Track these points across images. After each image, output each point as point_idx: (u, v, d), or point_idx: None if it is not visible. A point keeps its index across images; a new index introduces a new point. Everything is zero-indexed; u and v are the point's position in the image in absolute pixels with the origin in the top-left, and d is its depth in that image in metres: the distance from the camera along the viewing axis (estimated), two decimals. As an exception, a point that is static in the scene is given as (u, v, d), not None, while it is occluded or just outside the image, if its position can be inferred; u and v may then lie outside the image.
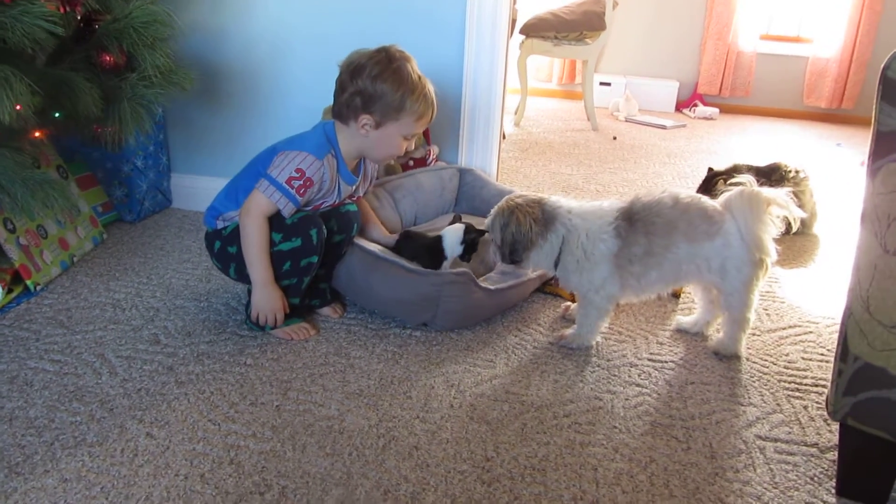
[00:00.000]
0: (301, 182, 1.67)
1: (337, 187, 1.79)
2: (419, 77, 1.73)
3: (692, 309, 2.00)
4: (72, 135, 2.11)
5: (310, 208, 1.77)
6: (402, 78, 1.69)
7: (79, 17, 1.84)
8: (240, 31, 2.45)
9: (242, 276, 1.77)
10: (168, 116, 2.57)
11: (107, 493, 1.21)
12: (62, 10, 1.67)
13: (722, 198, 1.70)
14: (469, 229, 1.91)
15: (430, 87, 1.76)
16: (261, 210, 1.67)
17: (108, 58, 1.85)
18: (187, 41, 2.43)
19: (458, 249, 1.91)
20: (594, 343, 1.80)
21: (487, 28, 2.30)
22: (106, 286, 1.98)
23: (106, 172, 2.42)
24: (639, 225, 1.68)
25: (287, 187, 1.66)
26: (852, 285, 1.19)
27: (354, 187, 1.86)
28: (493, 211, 1.79)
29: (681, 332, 1.91)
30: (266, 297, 1.71)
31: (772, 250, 1.67)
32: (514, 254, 1.73)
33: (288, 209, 1.68)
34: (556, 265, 1.76)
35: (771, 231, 1.65)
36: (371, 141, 1.75)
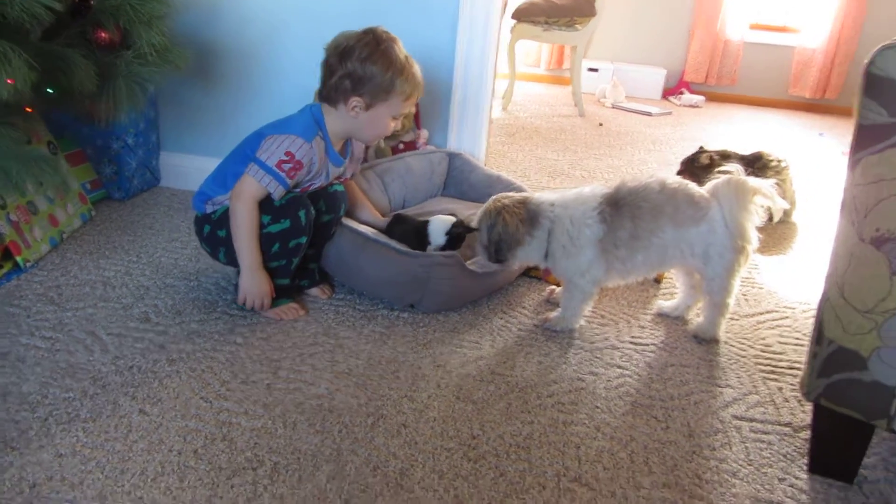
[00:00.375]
0: (291, 165, 1.69)
1: (326, 169, 1.81)
2: (406, 57, 1.75)
3: (673, 294, 2.05)
4: (63, 110, 2.11)
5: (298, 190, 1.79)
6: (390, 59, 1.71)
7: (71, -7, 1.84)
8: (234, 8, 2.45)
9: (232, 259, 1.79)
10: (159, 94, 2.57)
11: (102, 467, 1.23)
12: (59, -13, 1.66)
13: (709, 185, 1.74)
14: (457, 223, 1.93)
15: (417, 68, 1.78)
16: (251, 194, 1.69)
17: (103, 34, 1.85)
18: (181, 18, 2.42)
19: (442, 240, 1.92)
20: (577, 326, 1.84)
21: (481, 14, 2.32)
22: (96, 264, 1.99)
23: (95, 149, 2.42)
24: (625, 209, 1.71)
25: (277, 170, 1.68)
26: (830, 272, 1.24)
27: (342, 169, 1.88)
28: (480, 211, 1.83)
29: (662, 316, 1.96)
30: (253, 281, 1.73)
31: (753, 238, 1.71)
32: (499, 253, 1.78)
33: (278, 192, 1.70)
34: (545, 257, 1.80)
35: (754, 219, 1.70)
36: (361, 122, 1.77)
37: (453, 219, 1.94)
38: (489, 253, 1.80)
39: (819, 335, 1.26)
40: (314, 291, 1.93)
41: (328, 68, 1.74)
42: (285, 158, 1.68)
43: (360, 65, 1.70)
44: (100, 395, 1.43)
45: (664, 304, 1.99)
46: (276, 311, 1.79)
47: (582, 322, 1.86)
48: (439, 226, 1.93)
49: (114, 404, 1.40)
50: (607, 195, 1.75)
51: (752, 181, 1.69)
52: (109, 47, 1.92)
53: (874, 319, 1.18)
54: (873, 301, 1.17)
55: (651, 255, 1.75)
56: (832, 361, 1.25)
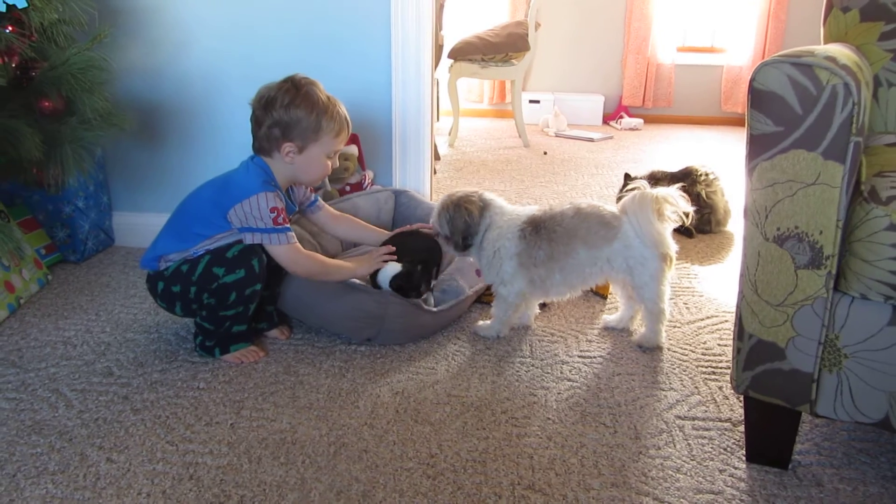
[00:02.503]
0: (281, 217, 1.78)
1: None
2: (328, 97, 1.84)
3: (617, 307, 2.15)
4: (12, 179, 2.16)
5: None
6: (312, 101, 1.80)
7: (14, 66, 1.90)
8: (175, 70, 2.54)
9: (189, 311, 1.84)
10: (107, 156, 2.63)
11: (72, 515, 1.28)
12: (1, 62, 1.73)
13: (620, 203, 1.87)
14: (398, 275, 1.90)
15: (341, 106, 1.87)
16: (291, 254, 1.80)
17: (47, 104, 1.92)
18: (124, 83, 2.50)
19: (387, 287, 1.92)
20: (502, 334, 1.98)
21: (412, 58, 2.44)
22: (55, 325, 2.03)
23: (48, 214, 2.46)
24: (543, 232, 1.86)
25: (279, 226, 1.77)
26: (742, 271, 1.34)
27: (293, 216, 1.95)
28: (436, 209, 1.96)
29: (608, 329, 2.06)
30: (363, 267, 1.91)
31: (670, 243, 1.85)
32: (466, 240, 1.92)
33: (292, 238, 1.80)
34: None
35: (665, 226, 1.83)
36: (298, 166, 1.85)
37: (397, 270, 1.91)
38: (455, 243, 1.93)
39: (740, 330, 1.37)
40: (273, 333, 1.99)
41: (255, 120, 1.83)
42: (274, 214, 1.77)
43: (284, 111, 1.79)
44: (66, 448, 1.47)
45: (608, 317, 2.09)
46: (235, 356, 1.84)
47: (508, 332, 2.00)
48: (386, 274, 1.92)
49: (81, 455, 1.44)
50: (532, 217, 1.90)
51: (655, 191, 1.82)
52: (54, 115, 1.99)
53: (786, 312, 1.29)
54: (783, 294, 1.28)
55: (569, 273, 1.89)
56: (754, 354, 1.35)
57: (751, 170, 1.27)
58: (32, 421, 1.56)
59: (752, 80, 1.23)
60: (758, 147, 1.25)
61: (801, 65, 1.18)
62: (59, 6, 1.90)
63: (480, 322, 2.01)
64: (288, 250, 1.79)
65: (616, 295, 2.11)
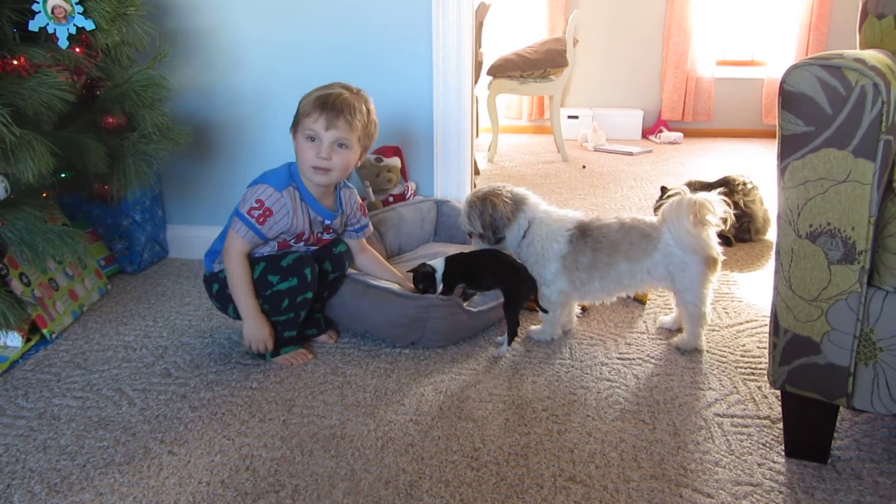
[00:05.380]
0: (260, 212, 1.82)
1: (308, 218, 1.92)
2: (332, 86, 1.86)
3: (657, 313, 2.19)
4: (76, 193, 2.29)
5: (293, 241, 1.93)
6: (312, 91, 1.86)
7: (80, 85, 2.03)
8: (227, 88, 2.65)
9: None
10: (162, 171, 2.75)
11: (139, 501, 1.36)
12: (70, 80, 1.86)
13: (659, 211, 1.93)
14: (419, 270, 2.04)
15: (337, 92, 1.83)
16: (237, 249, 1.83)
17: (110, 119, 2.04)
18: (180, 101, 2.62)
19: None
20: (555, 336, 2.04)
21: (453, 75, 2.52)
22: (116, 330, 2.14)
23: (106, 228, 2.59)
24: (589, 240, 1.93)
25: (248, 217, 1.82)
26: (776, 268, 1.38)
27: (336, 221, 2.00)
28: (463, 207, 2.05)
29: (663, 330, 2.11)
30: (255, 328, 1.86)
31: (713, 246, 1.87)
32: (497, 232, 2.00)
33: (249, 238, 1.83)
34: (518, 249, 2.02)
35: (705, 231, 1.85)
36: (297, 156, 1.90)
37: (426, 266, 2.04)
38: (487, 237, 2.02)
39: (776, 326, 1.40)
40: (321, 338, 2.06)
41: None
42: (255, 206, 1.82)
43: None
44: (131, 441, 1.56)
45: (664, 318, 2.15)
46: (285, 358, 1.92)
47: (559, 333, 2.06)
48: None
49: (145, 448, 1.53)
50: (581, 223, 1.96)
51: (693, 197, 1.85)
52: (116, 130, 2.11)
53: (820, 307, 1.32)
54: (817, 290, 1.32)
55: (607, 282, 1.96)
56: (790, 349, 1.38)
57: (782, 169, 1.31)
58: (98, 417, 1.66)
59: (782, 83, 1.27)
60: (789, 147, 1.29)
61: (830, 66, 1.23)
62: (122, 28, 2.02)
63: (533, 326, 2.07)
64: (237, 241, 1.82)
65: (670, 299, 2.15)
